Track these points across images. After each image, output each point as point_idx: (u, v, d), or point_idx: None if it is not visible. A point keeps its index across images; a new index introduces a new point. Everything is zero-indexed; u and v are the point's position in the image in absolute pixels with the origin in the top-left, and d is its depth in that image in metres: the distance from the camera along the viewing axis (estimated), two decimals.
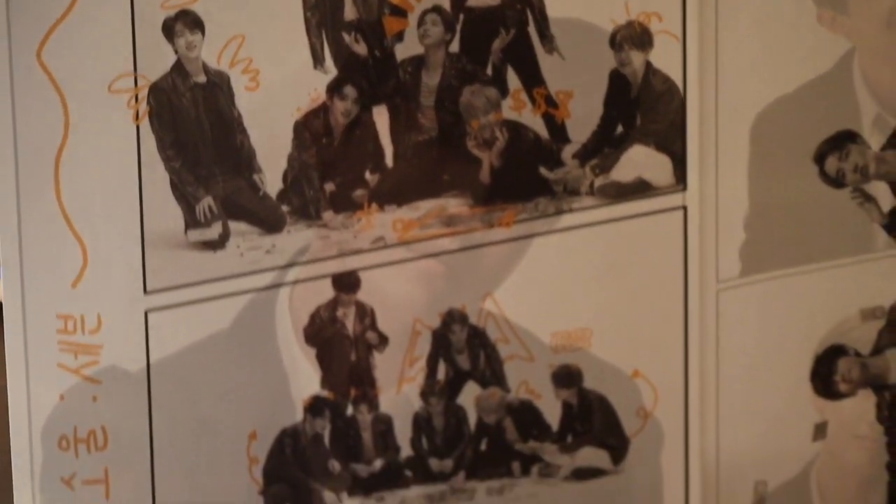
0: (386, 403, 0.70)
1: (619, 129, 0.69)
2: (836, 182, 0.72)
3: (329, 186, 0.69)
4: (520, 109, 0.69)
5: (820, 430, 0.74)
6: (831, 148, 0.72)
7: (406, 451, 0.71)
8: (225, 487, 0.70)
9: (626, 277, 0.70)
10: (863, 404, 0.74)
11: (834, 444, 0.74)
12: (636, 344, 0.70)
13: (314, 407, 0.70)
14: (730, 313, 0.72)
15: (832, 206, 0.72)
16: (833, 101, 0.71)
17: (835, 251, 0.72)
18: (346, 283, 0.69)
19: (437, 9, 0.67)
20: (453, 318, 0.70)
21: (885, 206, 0.73)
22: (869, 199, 0.73)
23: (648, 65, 0.69)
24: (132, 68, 0.67)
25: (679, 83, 0.69)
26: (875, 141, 0.72)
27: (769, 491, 0.74)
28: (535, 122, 0.69)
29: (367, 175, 0.69)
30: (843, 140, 0.72)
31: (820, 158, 0.72)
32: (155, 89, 0.68)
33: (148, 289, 0.68)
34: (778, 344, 0.72)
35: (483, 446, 0.71)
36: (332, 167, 0.68)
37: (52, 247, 0.68)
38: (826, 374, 0.74)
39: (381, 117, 0.68)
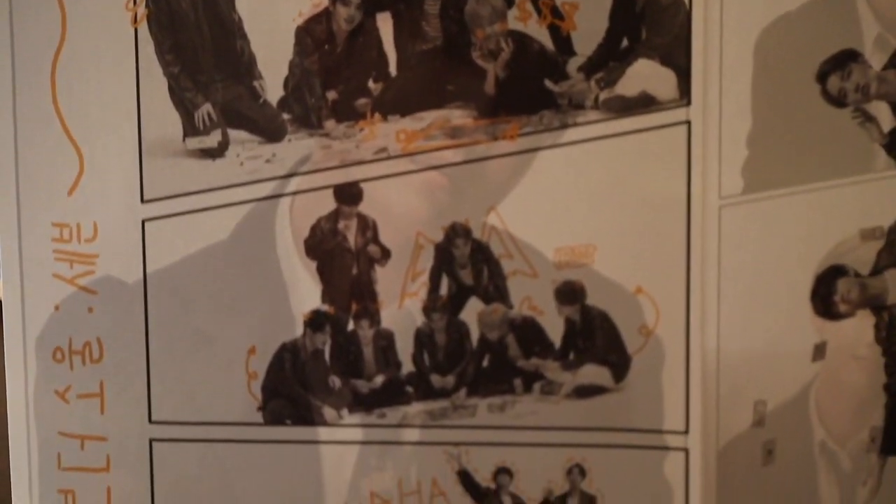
0: (387, 319, 0.69)
1: (625, 42, 0.69)
2: (838, 101, 0.72)
3: (331, 95, 0.68)
4: (525, 20, 0.68)
5: (819, 351, 0.74)
6: (833, 67, 0.72)
7: (407, 367, 0.70)
8: (223, 403, 0.69)
9: (630, 193, 0.70)
10: (862, 325, 0.75)
11: (833, 365, 0.74)
12: (639, 260, 0.70)
13: (314, 321, 0.69)
14: (731, 231, 0.72)
15: (833, 126, 0.72)
16: (835, 20, 0.71)
17: (835, 171, 0.72)
18: (348, 194, 0.68)
19: None
20: (456, 232, 0.69)
21: (886, 127, 0.73)
22: (870, 118, 0.73)
23: None
24: None
25: None
26: (876, 60, 0.72)
27: (768, 410, 0.73)
28: (540, 33, 0.68)
29: (371, 84, 0.68)
30: (845, 59, 0.72)
31: (822, 77, 0.73)
32: None
33: (145, 197, 0.67)
34: (778, 263, 0.72)
35: (485, 363, 0.71)
36: (334, 74, 0.67)
37: (47, 154, 0.67)
38: (826, 294, 0.74)
39: (384, 24, 0.67)
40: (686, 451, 0.74)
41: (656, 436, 0.74)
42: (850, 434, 0.78)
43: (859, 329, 0.78)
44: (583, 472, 0.74)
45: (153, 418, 0.70)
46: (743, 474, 0.76)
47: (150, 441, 0.70)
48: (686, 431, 0.74)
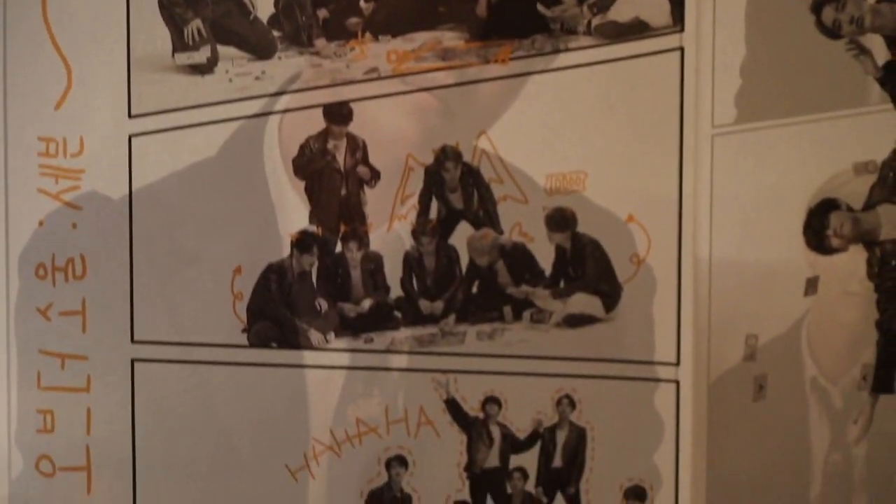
0: (376, 241, 0.69)
1: None
2: (832, 33, 0.72)
3: (322, 13, 0.67)
4: None
5: (811, 285, 0.73)
6: None
7: (396, 291, 0.69)
8: (207, 323, 0.69)
9: (622, 120, 0.70)
10: (854, 260, 0.74)
11: (825, 301, 0.74)
12: (631, 188, 0.70)
13: (302, 242, 0.68)
14: (724, 160, 0.71)
15: (827, 58, 0.72)
16: None
17: (829, 103, 0.73)
18: (338, 114, 0.68)
19: None
20: (447, 155, 0.69)
21: (880, 60, 0.72)
22: (864, 51, 0.73)
23: None
24: None
25: None
26: None
27: (760, 345, 0.73)
28: None
29: (362, 3, 0.67)
30: None
31: (817, 8, 0.73)
32: None
33: (133, 113, 0.67)
34: (771, 195, 0.71)
35: (475, 289, 0.70)
36: None
37: (35, 67, 0.67)
38: (818, 227, 0.74)
39: None
40: (677, 383, 0.73)
41: (647, 367, 0.73)
42: (841, 371, 0.77)
43: (852, 264, 0.77)
44: (572, 404, 0.73)
45: (135, 338, 0.69)
46: (734, 409, 0.75)
47: (132, 361, 0.69)
48: (677, 363, 0.73)
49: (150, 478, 0.70)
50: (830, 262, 0.78)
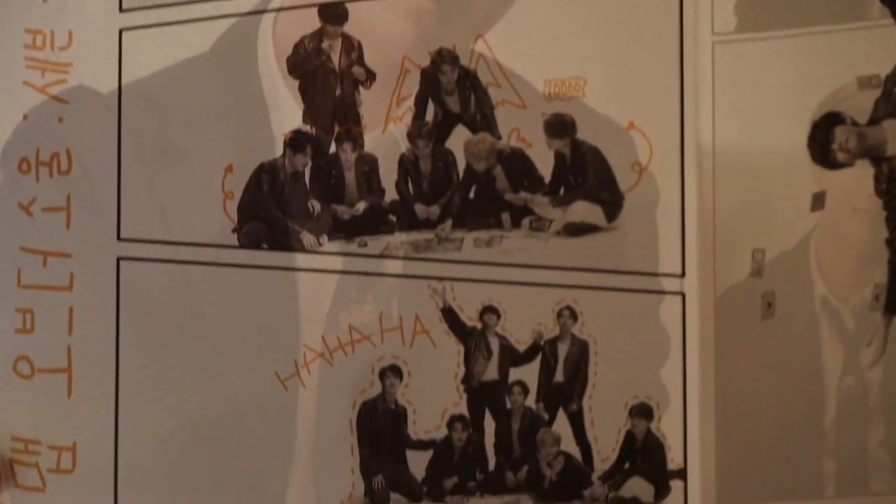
0: (371, 143, 0.68)
1: None
2: None
3: None
4: None
5: (818, 200, 0.72)
6: None
7: (391, 195, 0.67)
8: (197, 222, 0.67)
9: (622, 25, 0.70)
10: (861, 176, 0.73)
11: (832, 217, 0.73)
12: (631, 95, 0.70)
13: (295, 142, 0.67)
14: (725, 68, 0.71)
15: None
16: None
17: (829, 16, 0.72)
18: (333, 14, 0.68)
19: None
20: (443, 57, 0.68)
21: None
22: None
23: None
24: None
25: None
26: None
27: (767, 260, 0.71)
28: None
29: None
30: None
31: None
32: None
33: (124, 6, 0.66)
34: (774, 106, 0.71)
35: (472, 195, 0.68)
36: None
37: None
38: (823, 140, 0.72)
39: None
40: (682, 295, 0.71)
41: (651, 279, 0.71)
42: (852, 290, 0.75)
43: (859, 180, 0.76)
44: (574, 315, 0.70)
45: (122, 235, 0.67)
46: (742, 327, 0.73)
47: (118, 259, 0.67)
48: (682, 275, 0.71)
49: (134, 381, 0.67)
50: (837, 176, 0.76)
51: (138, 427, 0.68)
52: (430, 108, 0.73)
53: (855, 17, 0.77)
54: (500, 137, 0.73)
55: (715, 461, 0.74)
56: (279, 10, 0.72)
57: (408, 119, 0.72)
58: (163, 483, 0.68)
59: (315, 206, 0.72)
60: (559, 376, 0.73)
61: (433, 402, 0.72)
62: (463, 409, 0.72)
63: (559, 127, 0.74)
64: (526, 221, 0.73)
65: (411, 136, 0.72)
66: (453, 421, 0.72)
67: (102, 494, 0.68)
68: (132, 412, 0.68)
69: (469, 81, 0.73)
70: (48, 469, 0.67)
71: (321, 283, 0.71)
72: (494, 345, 0.73)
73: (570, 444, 0.73)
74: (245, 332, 0.70)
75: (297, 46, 0.72)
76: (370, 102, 0.72)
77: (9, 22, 0.70)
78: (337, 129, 0.72)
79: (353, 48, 0.72)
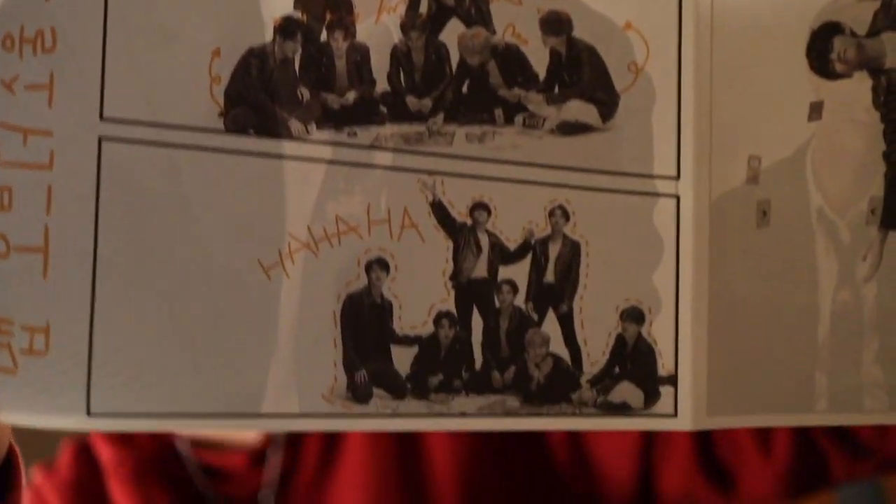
0: (363, 32, 0.66)
1: None
2: None
3: None
4: None
5: (815, 110, 0.71)
6: None
7: (382, 85, 0.65)
8: (182, 106, 0.65)
9: None
10: (859, 87, 0.73)
11: (830, 127, 0.72)
12: None
13: (285, 28, 0.65)
14: None
15: None
16: None
17: None
18: None
19: None
20: None
21: None
22: None
23: None
24: None
25: None
26: None
27: (763, 168, 0.70)
28: None
29: None
30: None
31: None
32: None
33: None
34: (772, 12, 0.68)
35: (465, 89, 0.67)
36: None
37: None
38: (822, 50, 0.72)
39: None
40: (677, 197, 0.70)
41: (646, 180, 0.70)
42: (848, 203, 0.74)
43: (857, 91, 0.75)
44: (566, 215, 0.69)
45: (105, 115, 0.65)
46: (737, 234, 0.71)
47: (100, 139, 0.65)
48: (677, 177, 0.69)
49: (112, 266, 0.65)
50: (835, 87, 0.75)
51: (114, 310, 0.66)
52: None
53: None
54: (494, 32, 0.72)
55: (707, 368, 0.72)
56: None
57: (401, 10, 0.71)
58: (138, 368, 0.66)
59: (304, 93, 0.70)
60: (550, 276, 0.72)
61: (420, 297, 0.70)
62: (450, 305, 0.71)
63: (555, 24, 0.73)
64: (519, 118, 0.72)
65: (404, 27, 0.71)
66: (440, 317, 0.70)
67: (76, 378, 0.66)
68: (109, 295, 0.66)
69: None
70: (20, 349, 0.65)
71: (309, 172, 0.69)
72: (484, 242, 0.71)
73: (559, 347, 0.72)
74: (228, 218, 0.68)
75: None
76: None
77: None
78: (329, 16, 0.70)
79: None
